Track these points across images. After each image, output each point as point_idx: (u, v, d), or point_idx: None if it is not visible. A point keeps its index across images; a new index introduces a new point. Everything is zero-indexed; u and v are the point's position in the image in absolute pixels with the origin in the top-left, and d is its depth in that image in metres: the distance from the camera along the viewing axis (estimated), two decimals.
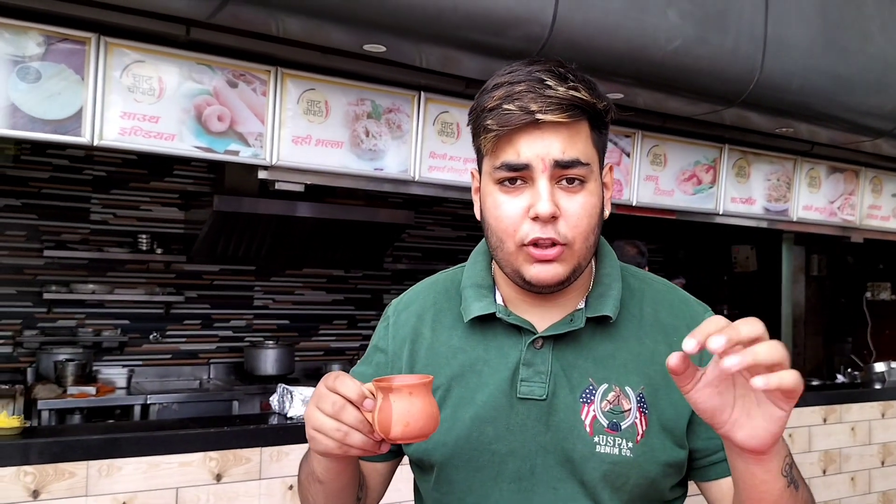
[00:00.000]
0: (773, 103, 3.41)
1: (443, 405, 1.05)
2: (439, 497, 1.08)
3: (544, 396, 1.02)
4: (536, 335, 1.05)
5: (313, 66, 2.89)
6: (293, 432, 2.74)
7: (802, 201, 4.41)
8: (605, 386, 1.02)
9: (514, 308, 1.07)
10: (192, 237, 4.64)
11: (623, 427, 1.01)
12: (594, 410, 1.01)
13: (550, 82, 0.96)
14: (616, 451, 1.00)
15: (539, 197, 0.97)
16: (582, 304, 1.07)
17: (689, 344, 0.75)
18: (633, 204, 3.81)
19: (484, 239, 1.10)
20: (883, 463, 4.48)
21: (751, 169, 4.20)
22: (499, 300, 1.09)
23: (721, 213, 4.11)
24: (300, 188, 2.98)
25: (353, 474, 1.05)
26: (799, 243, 7.05)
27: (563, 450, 1.01)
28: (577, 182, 0.98)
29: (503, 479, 1.02)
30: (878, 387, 4.73)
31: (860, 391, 4.56)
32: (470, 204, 4.29)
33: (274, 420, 2.82)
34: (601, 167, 1.04)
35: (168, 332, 4.82)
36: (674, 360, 0.78)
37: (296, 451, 2.70)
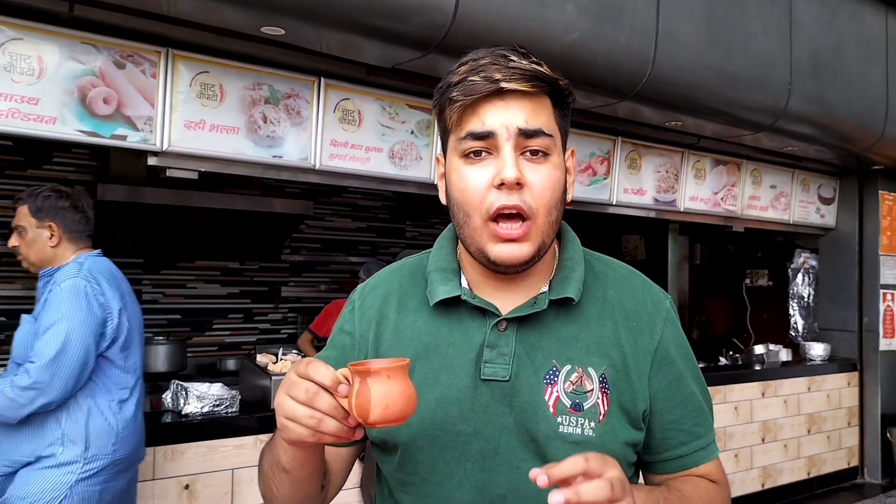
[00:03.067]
0: (663, 97, 3.54)
1: None
2: (403, 477, 1.07)
3: (507, 378, 1.03)
4: (500, 317, 1.05)
5: (207, 48, 2.78)
6: (189, 430, 2.64)
7: (689, 192, 4.60)
8: (568, 367, 1.04)
9: (478, 291, 1.08)
10: None
11: (585, 407, 1.02)
12: (557, 391, 1.02)
13: (513, 57, 0.99)
14: (579, 430, 1.01)
15: (504, 163, 0.98)
16: (545, 288, 1.08)
17: (542, 479, 0.82)
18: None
19: (450, 225, 1.10)
20: (763, 440, 4.76)
21: (642, 161, 4.34)
22: (464, 283, 1.09)
23: (615, 203, 4.24)
24: (193, 175, 2.86)
25: (319, 463, 1.03)
26: (684, 233, 7.38)
27: (526, 430, 1.02)
28: (540, 154, 1.00)
29: (467, 459, 1.03)
30: (757, 368, 5.01)
31: (741, 373, 4.83)
32: (370, 194, 4.21)
33: (168, 418, 2.71)
34: (564, 147, 1.06)
35: None
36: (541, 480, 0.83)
37: (191, 450, 2.60)
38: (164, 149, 2.71)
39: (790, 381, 4.99)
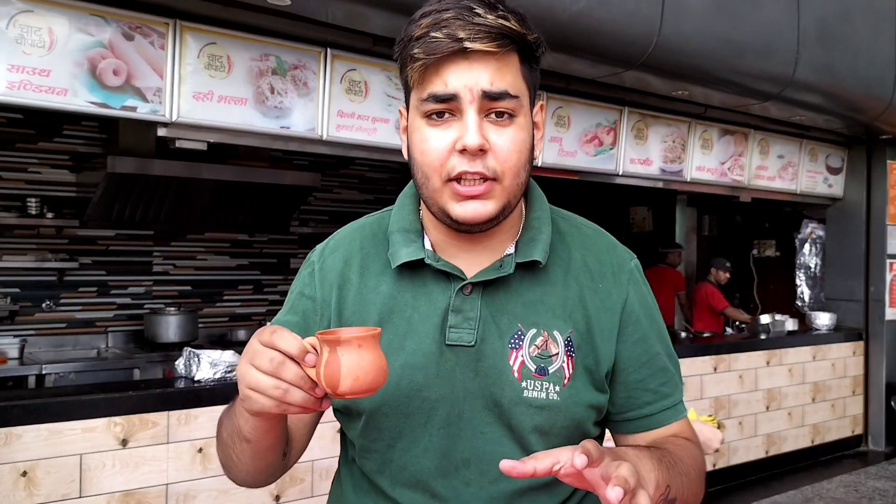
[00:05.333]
0: (670, 66, 3.53)
1: None
2: (367, 444, 1.06)
3: (473, 343, 1.01)
4: (465, 281, 1.03)
5: (214, 19, 2.79)
6: (201, 395, 2.70)
7: (696, 162, 4.60)
8: (533, 331, 1.02)
9: (442, 253, 1.05)
10: (86, 200, 4.43)
11: (550, 371, 1.01)
12: (522, 356, 1.01)
13: (479, 10, 0.93)
14: (543, 395, 1.00)
15: (467, 129, 0.94)
16: (511, 249, 1.05)
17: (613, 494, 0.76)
18: (539, 165, 3.89)
19: (411, 182, 1.06)
20: (767, 408, 4.81)
21: (648, 131, 4.35)
22: (427, 245, 1.06)
23: (621, 173, 4.25)
24: (202, 146, 2.89)
25: (282, 432, 1.01)
26: (692, 204, 7.39)
27: (491, 395, 1.01)
28: (506, 116, 0.96)
29: (432, 425, 1.02)
30: (763, 337, 5.05)
31: (747, 341, 4.86)
32: (377, 166, 4.23)
33: (181, 384, 2.76)
34: (532, 103, 1.02)
35: (62, 300, 4.61)
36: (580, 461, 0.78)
37: (205, 415, 2.66)
38: (174, 120, 2.74)
39: (795, 350, 5.02)
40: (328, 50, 3.08)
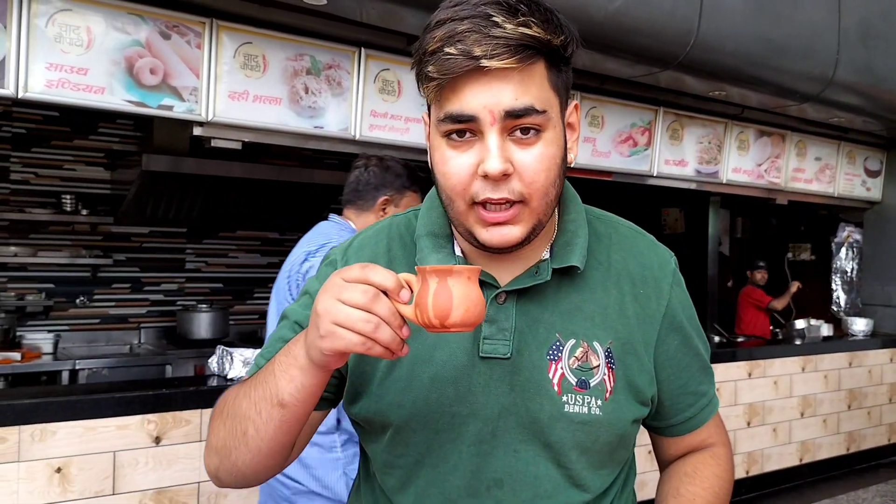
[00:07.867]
0: (707, 66, 3.48)
1: (398, 363, 0.95)
2: (392, 459, 0.99)
3: (508, 355, 0.94)
4: (499, 289, 0.95)
5: (250, 19, 2.80)
6: None
7: (732, 164, 4.53)
8: (572, 341, 0.95)
9: (473, 260, 0.97)
10: (120, 198, 4.47)
11: (592, 385, 0.94)
12: (562, 368, 0.94)
13: (498, 18, 0.82)
14: (585, 409, 0.93)
15: (488, 153, 0.85)
16: (546, 254, 0.97)
17: None
18: (571, 165, 3.86)
19: None
20: (802, 414, 4.72)
21: (684, 132, 4.29)
22: (457, 251, 0.98)
23: (655, 174, 4.20)
24: (237, 146, 2.90)
25: (317, 400, 0.91)
26: (725, 206, 7.28)
27: (528, 411, 0.93)
28: (532, 132, 0.86)
29: (463, 442, 0.94)
30: (798, 343, 4.96)
31: (781, 347, 4.78)
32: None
33: (213, 381, 2.77)
34: (563, 108, 0.92)
35: (96, 296, 4.66)
36: None
37: None
38: (209, 119, 2.75)
39: (831, 356, 4.93)
40: (362, 49, 3.08)
